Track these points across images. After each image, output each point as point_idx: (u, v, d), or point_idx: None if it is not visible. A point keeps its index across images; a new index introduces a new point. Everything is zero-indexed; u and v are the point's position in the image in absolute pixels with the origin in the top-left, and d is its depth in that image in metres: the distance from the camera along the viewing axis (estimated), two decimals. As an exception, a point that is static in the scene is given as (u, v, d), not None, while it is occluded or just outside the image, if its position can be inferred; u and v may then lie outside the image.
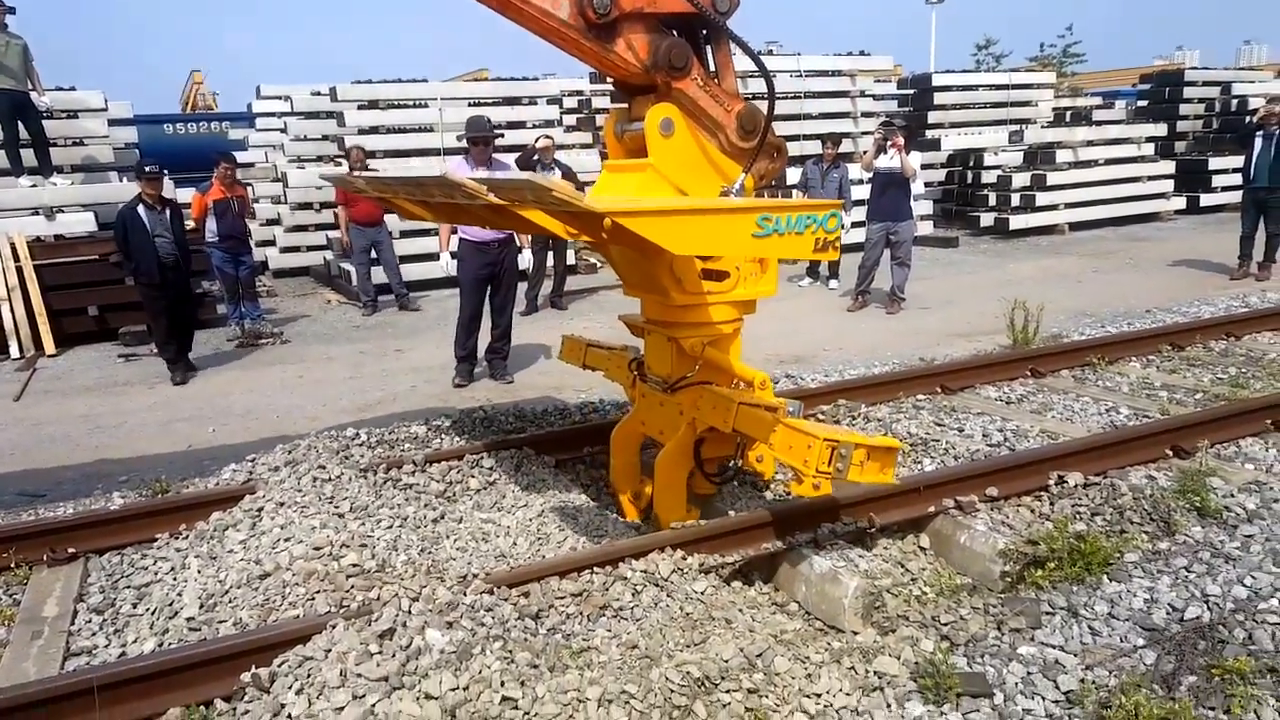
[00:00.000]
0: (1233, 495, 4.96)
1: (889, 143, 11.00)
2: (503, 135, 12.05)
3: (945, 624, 3.96)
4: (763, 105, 4.49)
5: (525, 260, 8.87)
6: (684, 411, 4.76)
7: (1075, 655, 3.66)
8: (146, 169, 9.12)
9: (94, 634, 4.38)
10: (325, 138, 15.53)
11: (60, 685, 3.57)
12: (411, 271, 13.63)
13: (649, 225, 3.29)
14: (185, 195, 13.32)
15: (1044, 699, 3.41)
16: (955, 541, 4.72)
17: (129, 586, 4.79)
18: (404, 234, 13.70)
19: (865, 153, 11.84)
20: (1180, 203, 18.98)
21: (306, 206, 15.54)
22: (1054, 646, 3.73)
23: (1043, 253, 15.59)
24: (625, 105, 4.67)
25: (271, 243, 15.87)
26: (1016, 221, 17.23)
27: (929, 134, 18.87)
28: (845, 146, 14.88)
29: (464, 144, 8.81)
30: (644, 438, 5.33)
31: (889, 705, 3.45)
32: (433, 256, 12.84)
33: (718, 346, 4.73)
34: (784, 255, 3.75)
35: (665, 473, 4.85)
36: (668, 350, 4.78)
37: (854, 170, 13.42)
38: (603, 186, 4.71)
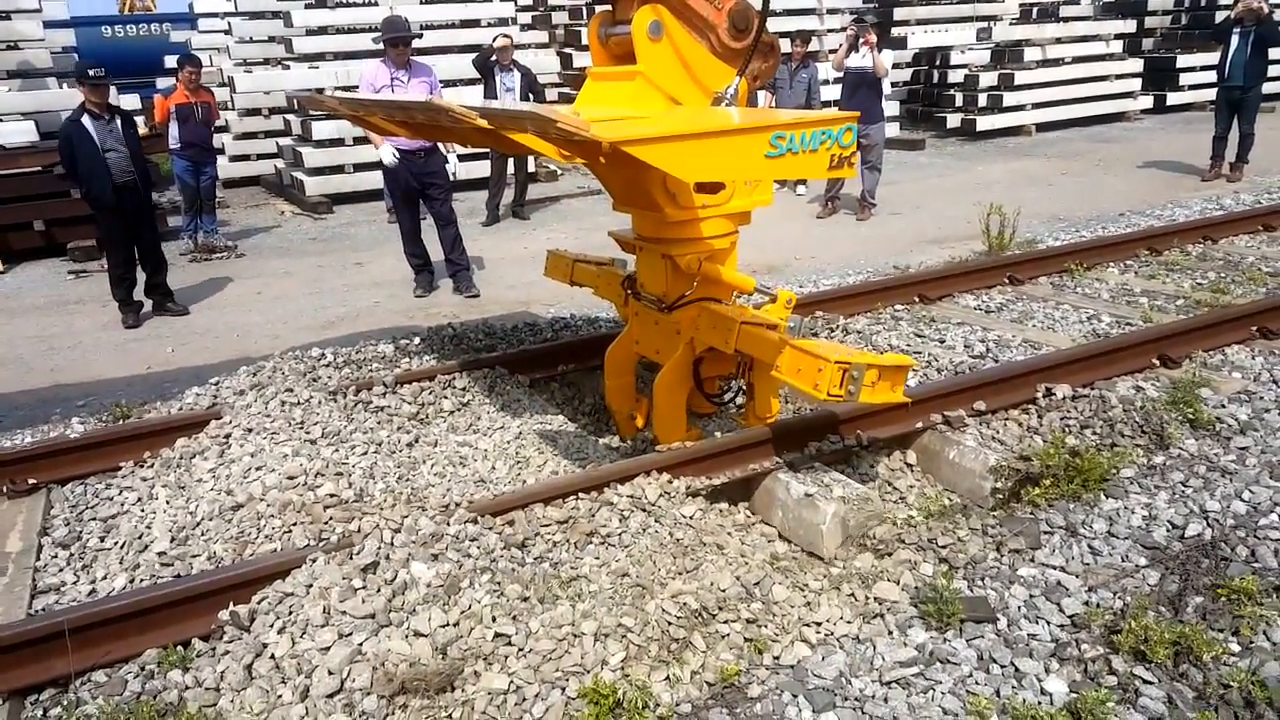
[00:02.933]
0: (1223, 406, 4.89)
1: (861, 40, 10.66)
2: (421, 36, 11.43)
3: (943, 546, 3.86)
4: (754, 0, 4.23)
5: (452, 168, 8.51)
6: (681, 331, 4.57)
7: (1077, 576, 3.58)
8: (90, 72, 7.98)
9: (60, 570, 4.20)
10: (272, 39, 14.79)
11: (31, 629, 3.40)
12: (333, 183, 13.35)
13: (657, 152, 3.03)
14: (128, 103, 12.76)
15: (1049, 623, 3.33)
16: (944, 457, 4.62)
17: (95, 519, 4.60)
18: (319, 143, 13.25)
19: (835, 50, 11.53)
20: (1146, 102, 18.79)
21: (255, 113, 14.92)
22: (1055, 568, 3.65)
23: (1010, 154, 15.42)
24: (609, 7, 4.37)
25: (220, 151, 15.24)
26: (984, 122, 16.99)
27: (895, 31, 18.40)
28: (812, 46, 14.48)
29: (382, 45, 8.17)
30: (639, 356, 5.12)
31: (891, 632, 3.37)
32: (369, 166, 12.46)
33: (714, 261, 4.51)
34: (798, 175, 3.57)
35: (664, 396, 4.66)
36: (662, 268, 4.56)
37: (823, 70, 13.09)
38: (588, 98, 4.44)
